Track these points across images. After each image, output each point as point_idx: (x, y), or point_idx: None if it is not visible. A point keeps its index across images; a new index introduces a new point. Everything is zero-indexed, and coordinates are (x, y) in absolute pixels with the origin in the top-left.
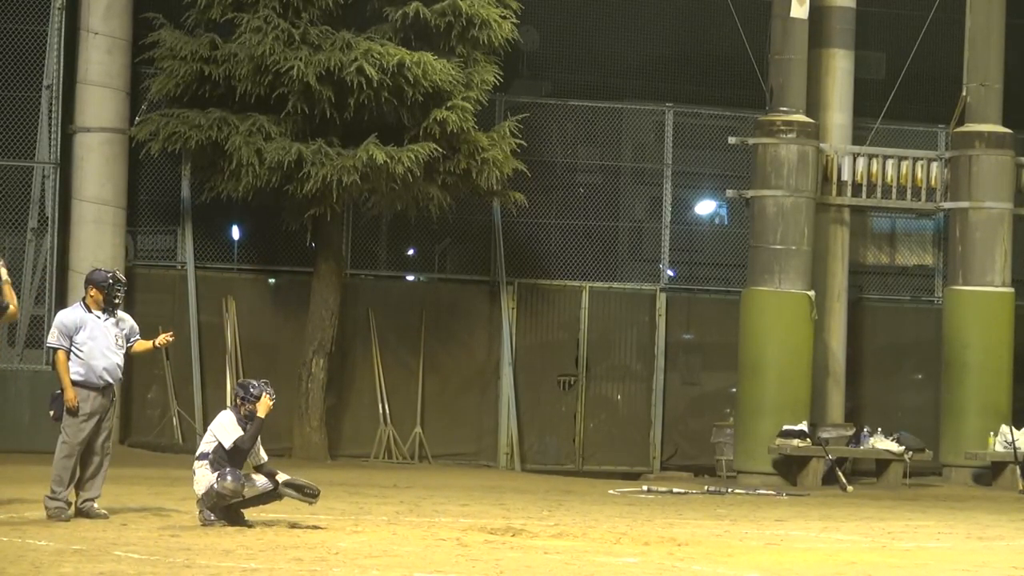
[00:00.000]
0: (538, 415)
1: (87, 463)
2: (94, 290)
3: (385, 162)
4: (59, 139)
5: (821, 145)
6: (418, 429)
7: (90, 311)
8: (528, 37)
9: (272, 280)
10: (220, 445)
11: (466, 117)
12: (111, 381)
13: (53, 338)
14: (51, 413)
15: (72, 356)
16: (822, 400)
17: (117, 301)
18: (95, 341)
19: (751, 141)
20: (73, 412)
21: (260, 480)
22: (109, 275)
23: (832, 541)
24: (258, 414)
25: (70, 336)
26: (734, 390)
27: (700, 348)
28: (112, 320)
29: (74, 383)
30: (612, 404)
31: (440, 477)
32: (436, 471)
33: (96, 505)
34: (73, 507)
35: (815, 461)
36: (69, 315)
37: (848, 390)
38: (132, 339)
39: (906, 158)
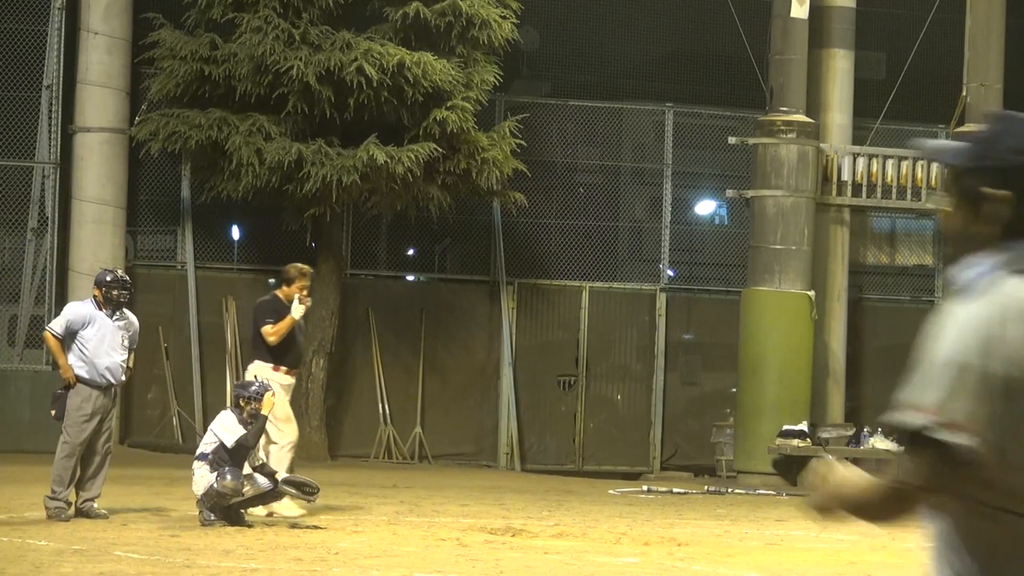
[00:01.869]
0: (538, 415)
1: (87, 463)
2: (95, 290)
3: (385, 162)
4: (59, 139)
5: (821, 145)
6: (418, 429)
7: (100, 309)
8: (528, 37)
9: (272, 280)
10: (221, 445)
11: (466, 117)
12: (113, 381)
13: (56, 324)
14: (52, 413)
15: (76, 352)
16: (822, 400)
17: (121, 300)
18: (101, 339)
19: (751, 141)
20: (71, 385)
21: (260, 479)
22: (108, 274)
23: (832, 541)
24: (262, 411)
25: (74, 330)
26: (734, 390)
27: (700, 348)
28: (122, 321)
29: (78, 379)
30: (612, 404)
31: (440, 477)
32: (436, 471)
33: (96, 505)
34: (73, 507)
35: (815, 461)
36: (79, 308)
37: (848, 390)
38: (133, 346)
39: (906, 158)
